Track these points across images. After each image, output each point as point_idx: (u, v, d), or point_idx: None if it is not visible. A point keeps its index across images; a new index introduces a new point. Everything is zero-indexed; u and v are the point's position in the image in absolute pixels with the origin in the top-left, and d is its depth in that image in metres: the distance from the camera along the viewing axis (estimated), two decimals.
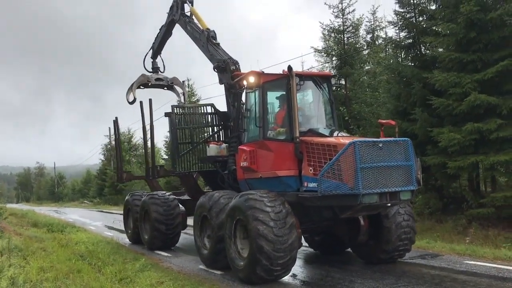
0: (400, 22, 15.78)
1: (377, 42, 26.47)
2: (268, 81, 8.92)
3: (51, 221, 22.72)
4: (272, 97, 9.36)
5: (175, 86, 15.63)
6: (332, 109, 9.17)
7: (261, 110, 8.88)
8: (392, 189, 7.24)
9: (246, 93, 9.71)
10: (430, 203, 14.34)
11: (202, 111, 11.66)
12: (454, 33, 12.67)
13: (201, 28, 12.64)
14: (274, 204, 7.71)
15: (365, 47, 23.70)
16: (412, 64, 15.43)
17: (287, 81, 8.51)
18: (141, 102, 13.28)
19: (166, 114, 11.31)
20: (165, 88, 15.61)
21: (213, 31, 12.44)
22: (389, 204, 7.51)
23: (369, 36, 25.18)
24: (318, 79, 8.93)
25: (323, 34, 21.93)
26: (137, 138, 47.82)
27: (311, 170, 7.98)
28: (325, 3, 19.85)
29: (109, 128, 47.58)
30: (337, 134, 8.51)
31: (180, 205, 12.71)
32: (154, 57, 15.57)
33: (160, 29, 15.00)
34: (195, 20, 13.23)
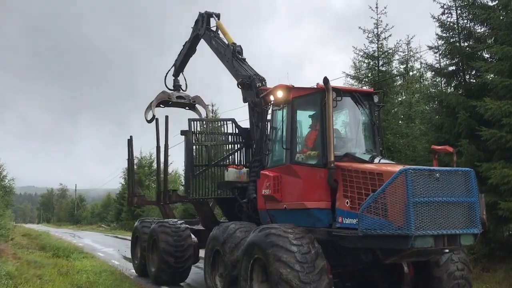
0: (443, 47, 14.45)
1: (411, 73, 25.21)
2: (299, 96, 7.68)
3: (61, 245, 21.60)
4: (303, 115, 8.11)
5: (197, 106, 14.59)
6: (373, 132, 7.81)
7: (289, 130, 7.62)
8: (451, 232, 5.77)
9: (272, 110, 8.49)
10: (475, 248, 12.60)
11: (223, 131, 10.45)
12: (509, 57, 11.25)
13: (227, 42, 11.67)
14: (301, 243, 6.32)
15: (398, 78, 22.43)
16: (455, 92, 14.00)
17: (321, 96, 7.24)
18: (156, 120, 12.20)
19: (182, 133, 10.13)
20: (187, 107, 14.58)
21: (239, 46, 11.44)
22: (446, 250, 6.03)
23: (402, 66, 23.94)
24: (359, 96, 7.61)
25: (354, 61, 20.80)
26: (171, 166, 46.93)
27: (347, 202, 6.60)
28: (359, 27, 18.73)
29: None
30: (379, 161, 7.13)
31: (193, 236, 11.37)
32: (176, 74, 14.67)
33: (183, 45, 14.12)
34: (221, 35, 12.30)
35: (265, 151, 8.56)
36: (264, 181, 7.97)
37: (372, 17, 18.33)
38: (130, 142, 13.42)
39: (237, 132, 10.55)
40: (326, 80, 6.82)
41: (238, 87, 10.50)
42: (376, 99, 7.66)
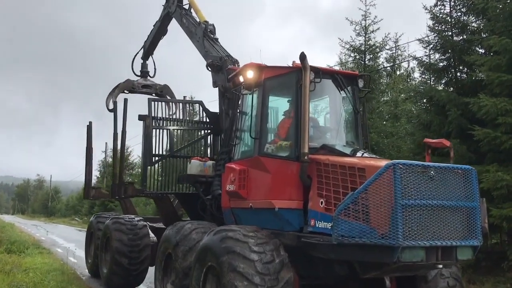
0: (435, 40, 13.48)
1: (398, 72, 24.33)
2: (271, 77, 6.54)
3: (19, 238, 20.11)
4: (277, 101, 6.98)
5: (166, 96, 13.33)
6: (356, 122, 6.68)
7: (259, 116, 6.48)
8: (446, 243, 4.69)
9: (242, 95, 7.33)
10: None
11: (189, 116, 9.26)
12: (508, 50, 10.28)
13: (198, 20, 10.49)
14: (264, 249, 5.18)
15: (384, 75, 21.52)
16: (446, 89, 13.06)
17: (297, 77, 6.10)
18: (115, 103, 10.93)
19: (141, 117, 8.92)
20: (153, 94, 13.32)
21: (212, 24, 10.28)
22: (440, 266, 4.95)
23: (389, 65, 23.00)
24: (341, 79, 6.45)
25: (339, 56, 19.80)
26: (135, 156, 45.23)
27: (322, 202, 5.48)
28: (346, 18, 17.69)
29: (106, 143, 45.17)
30: (362, 155, 6.02)
31: (152, 234, 10.14)
32: (145, 57, 13.38)
33: (154, 25, 12.86)
34: (194, 14, 11.11)
35: (233, 141, 7.41)
36: (229, 175, 6.83)
37: (360, 8, 17.36)
38: (89, 128, 12.13)
39: (204, 118, 9.36)
40: (302, 56, 5.66)
41: (208, 69, 9.32)
42: (361, 83, 6.54)
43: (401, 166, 4.55)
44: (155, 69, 13.40)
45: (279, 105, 7.03)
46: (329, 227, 5.25)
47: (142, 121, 8.90)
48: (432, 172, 4.71)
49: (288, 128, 6.48)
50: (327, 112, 6.77)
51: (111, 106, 11.97)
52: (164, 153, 8.93)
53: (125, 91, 12.69)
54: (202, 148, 9.47)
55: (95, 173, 55.52)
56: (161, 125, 8.88)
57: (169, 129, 8.84)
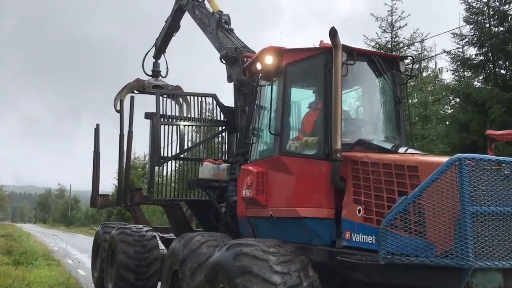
0: (471, 32, 12.33)
1: (424, 74, 23.13)
2: (294, 62, 5.53)
3: (31, 249, 19.40)
4: (300, 91, 5.97)
5: (178, 98, 12.43)
6: (398, 113, 5.59)
7: (281, 108, 5.46)
8: None
9: (260, 86, 6.34)
10: None
11: (201, 111, 8.31)
12: None
13: (212, 11, 9.59)
14: (289, 269, 4.14)
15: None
16: (486, 85, 11.87)
17: (326, 59, 5.08)
18: (121, 102, 10.03)
19: (147, 116, 8.00)
20: (165, 97, 12.41)
21: (227, 15, 9.37)
22: None
23: (415, 66, 21.80)
24: (380, 62, 5.37)
25: None
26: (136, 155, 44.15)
27: (360, 210, 4.42)
28: (371, 14, 16.64)
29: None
30: (405, 151, 4.94)
31: (162, 246, 9.17)
32: (156, 56, 12.52)
33: (165, 21, 12.02)
34: (207, 5, 10.22)
35: (249, 140, 6.42)
36: (246, 178, 5.83)
37: (386, 4, 16.32)
38: (96, 131, 11.26)
39: (218, 116, 8.38)
40: (333, 31, 4.62)
41: (221, 61, 8.38)
42: (403, 67, 5.47)
43: (469, 161, 3.47)
44: (167, 68, 12.51)
45: (304, 96, 6.01)
46: (370, 241, 4.22)
47: (149, 120, 7.98)
48: (507, 170, 3.61)
49: (314, 121, 5.45)
50: (361, 102, 5.70)
51: (118, 107, 11.12)
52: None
53: (135, 92, 11.84)
54: (216, 146, 8.47)
55: (113, 182, 55.12)
56: (170, 121, 7.96)
57: (179, 125, 7.90)
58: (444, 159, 3.68)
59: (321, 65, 5.19)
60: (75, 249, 23.56)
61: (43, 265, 14.78)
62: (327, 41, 4.75)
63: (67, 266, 15.61)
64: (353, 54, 5.04)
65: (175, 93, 9.01)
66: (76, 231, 54.85)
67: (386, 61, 5.41)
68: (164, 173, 8.34)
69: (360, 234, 4.39)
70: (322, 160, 4.90)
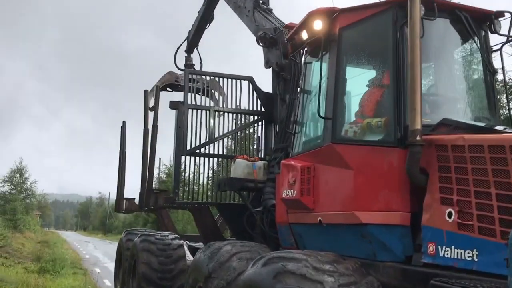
0: None
1: None
2: (352, 24, 4.32)
3: (61, 256, 18.84)
4: (356, 70, 4.76)
5: (213, 92, 11.39)
6: (492, 87, 4.24)
7: (333, 84, 4.28)
8: None
9: (305, 64, 5.18)
10: None
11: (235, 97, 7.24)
12: None
13: None
14: None
15: None
16: None
17: (395, 16, 3.86)
18: (145, 92, 9.05)
19: (172, 105, 6.96)
20: (199, 93, 11.43)
21: None
22: None
23: None
24: (467, 18, 4.07)
25: None
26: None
27: (451, 214, 3.15)
28: None
29: (160, 159, 44.21)
30: (505, 130, 3.61)
31: (190, 257, 8.06)
32: (189, 50, 11.59)
33: (198, 12, 11.09)
34: None
35: (292, 130, 5.26)
36: (287, 175, 4.67)
37: None
38: (123, 129, 10.34)
39: (254, 104, 7.24)
40: None
41: (258, 43, 7.26)
42: (499, 27, 4.15)
43: None
44: (201, 62, 11.55)
45: (361, 72, 4.79)
46: (469, 258, 2.96)
47: (174, 110, 6.93)
48: None
49: (378, 101, 4.21)
50: (443, 70, 4.39)
51: (152, 104, 10.21)
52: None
53: (168, 89, 10.90)
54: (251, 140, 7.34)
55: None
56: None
57: (209, 111, 6.83)
58: None
59: (389, 24, 3.95)
60: (106, 257, 22.91)
61: (69, 273, 14.14)
62: None
63: (93, 275, 14.82)
64: (434, 7, 3.78)
65: (206, 74, 7.97)
66: (112, 239, 54.91)
67: (476, 18, 4.10)
68: (187, 173, 7.24)
69: (452, 247, 3.12)
70: (393, 147, 3.66)
